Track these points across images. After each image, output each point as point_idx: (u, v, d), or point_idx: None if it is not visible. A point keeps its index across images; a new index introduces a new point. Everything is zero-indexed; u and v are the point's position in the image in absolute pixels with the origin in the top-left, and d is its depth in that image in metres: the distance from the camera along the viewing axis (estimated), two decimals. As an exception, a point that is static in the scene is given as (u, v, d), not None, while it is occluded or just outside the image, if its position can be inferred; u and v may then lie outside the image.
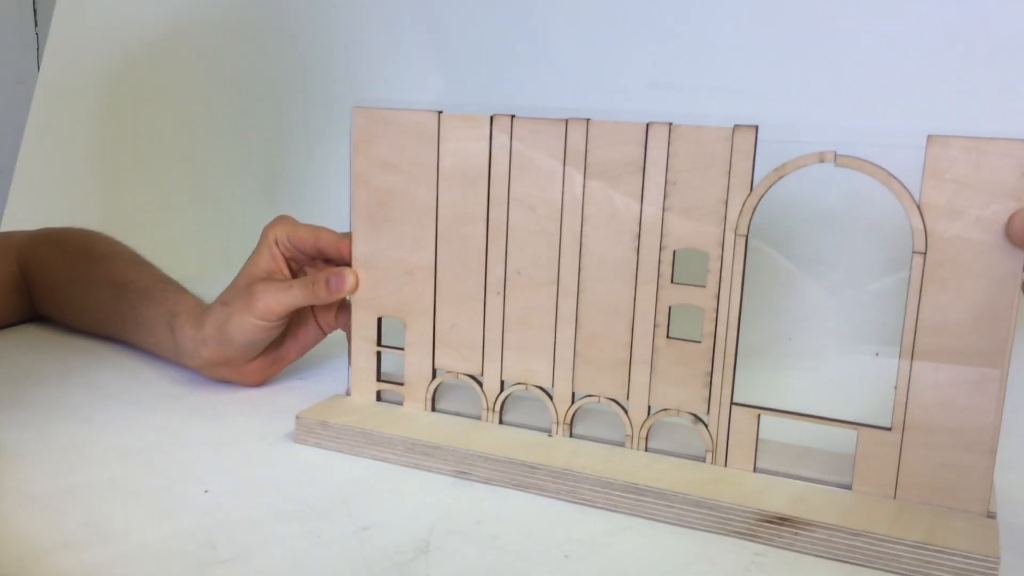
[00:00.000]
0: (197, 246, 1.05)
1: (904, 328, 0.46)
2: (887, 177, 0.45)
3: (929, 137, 0.44)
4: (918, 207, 0.44)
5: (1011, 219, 0.43)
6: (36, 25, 1.47)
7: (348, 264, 0.58)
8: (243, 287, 0.60)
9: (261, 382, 0.65)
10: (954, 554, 0.42)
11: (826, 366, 0.67)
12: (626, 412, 0.52)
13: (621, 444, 0.53)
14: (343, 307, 0.63)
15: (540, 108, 0.52)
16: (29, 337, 0.77)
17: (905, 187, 0.45)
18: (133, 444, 0.55)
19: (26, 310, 0.80)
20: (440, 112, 0.54)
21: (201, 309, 0.64)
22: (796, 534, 0.45)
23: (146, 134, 1.08)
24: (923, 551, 0.42)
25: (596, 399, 0.53)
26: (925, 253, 0.45)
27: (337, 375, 0.68)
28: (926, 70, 0.72)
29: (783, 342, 0.65)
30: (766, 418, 0.49)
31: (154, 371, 0.68)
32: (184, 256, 0.94)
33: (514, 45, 0.96)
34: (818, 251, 0.68)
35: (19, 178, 1.02)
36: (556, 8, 0.92)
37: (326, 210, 0.73)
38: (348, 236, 0.58)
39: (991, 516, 0.45)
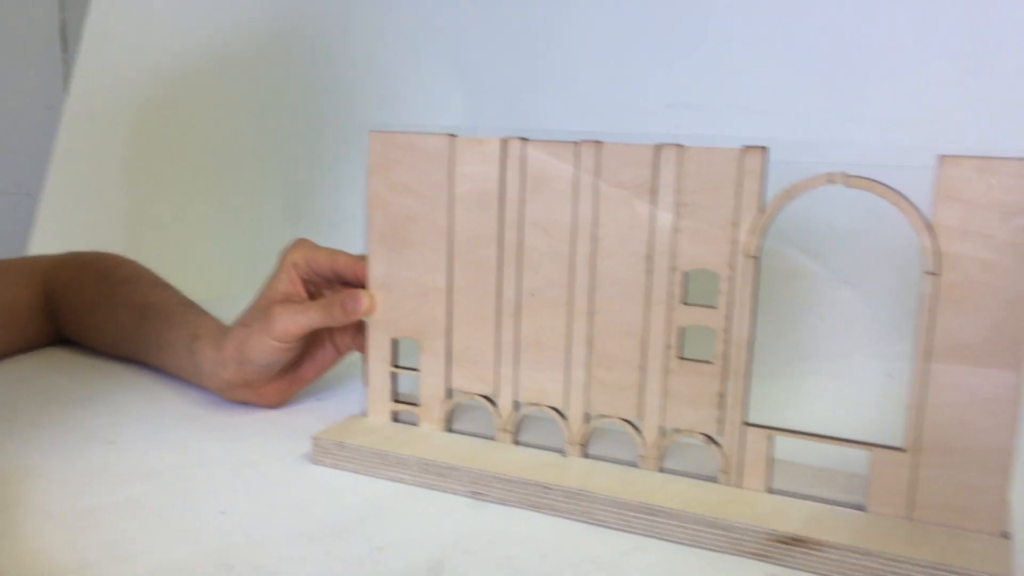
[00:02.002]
0: (222, 268, 1.07)
1: (916, 348, 0.46)
2: (897, 198, 0.45)
3: (940, 157, 0.44)
4: (929, 228, 0.45)
5: None
6: (64, 52, 1.50)
7: (365, 286, 0.59)
8: (262, 309, 0.61)
9: (279, 403, 0.66)
10: (967, 575, 0.42)
11: (841, 383, 0.67)
12: (639, 432, 0.52)
13: (635, 464, 0.53)
14: (359, 328, 0.64)
15: (559, 131, 0.53)
16: (54, 359, 0.78)
17: (916, 207, 0.45)
18: (154, 465, 0.55)
19: (51, 333, 0.81)
20: (454, 136, 0.54)
21: (221, 331, 0.65)
22: (809, 554, 0.45)
23: (171, 159, 1.09)
24: (936, 571, 0.42)
25: (610, 420, 0.53)
26: (937, 274, 0.45)
27: (353, 396, 0.69)
28: (939, 87, 0.72)
29: (797, 361, 0.65)
30: (781, 436, 0.49)
31: (175, 393, 0.69)
32: (209, 277, 0.96)
33: (533, 68, 0.96)
34: (832, 271, 0.67)
35: (46, 202, 1.04)
36: (575, 31, 0.93)
37: (348, 232, 0.74)
38: (365, 258, 0.59)
39: (1006, 536, 0.45)
